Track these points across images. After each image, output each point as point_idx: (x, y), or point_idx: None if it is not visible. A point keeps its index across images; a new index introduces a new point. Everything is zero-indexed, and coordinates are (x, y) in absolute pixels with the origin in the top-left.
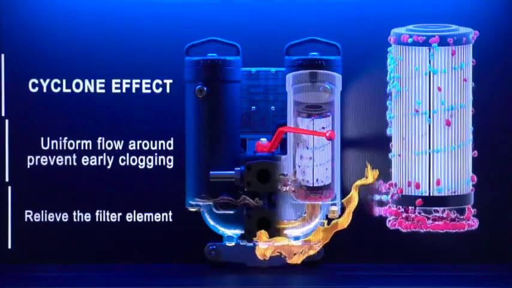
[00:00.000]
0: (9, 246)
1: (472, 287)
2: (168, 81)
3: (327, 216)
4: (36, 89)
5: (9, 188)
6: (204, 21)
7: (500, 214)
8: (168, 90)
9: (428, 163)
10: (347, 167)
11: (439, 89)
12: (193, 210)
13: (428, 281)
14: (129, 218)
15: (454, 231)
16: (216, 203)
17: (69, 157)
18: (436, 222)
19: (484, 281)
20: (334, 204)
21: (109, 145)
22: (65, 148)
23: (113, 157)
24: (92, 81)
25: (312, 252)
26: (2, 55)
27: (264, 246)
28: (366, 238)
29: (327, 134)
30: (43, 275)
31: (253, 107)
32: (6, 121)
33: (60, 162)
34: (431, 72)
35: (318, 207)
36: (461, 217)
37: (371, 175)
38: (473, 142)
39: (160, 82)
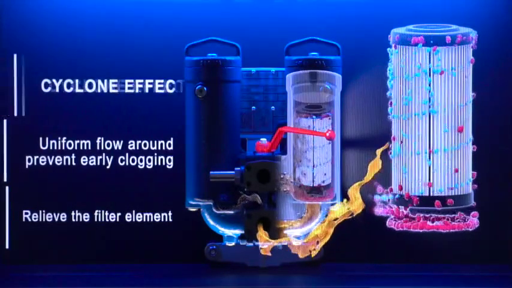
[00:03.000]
0: (7, 247)
1: (472, 287)
2: (168, 81)
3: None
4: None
5: (7, 188)
6: (204, 21)
7: (500, 214)
8: (168, 90)
9: (428, 163)
10: (347, 167)
11: (442, 73)
12: (193, 210)
13: (428, 281)
14: (129, 218)
15: (454, 231)
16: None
17: (68, 157)
18: (436, 222)
19: (484, 281)
20: (334, 204)
21: (108, 145)
22: (63, 148)
23: (112, 157)
24: (92, 81)
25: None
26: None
27: (265, 246)
28: (366, 238)
29: (327, 134)
30: (41, 275)
31: (253, 107)
32: (5, 121)
33: (59, 162)
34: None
35: (318, 207)
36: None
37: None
38: (473, 142)
39: (160, 82)
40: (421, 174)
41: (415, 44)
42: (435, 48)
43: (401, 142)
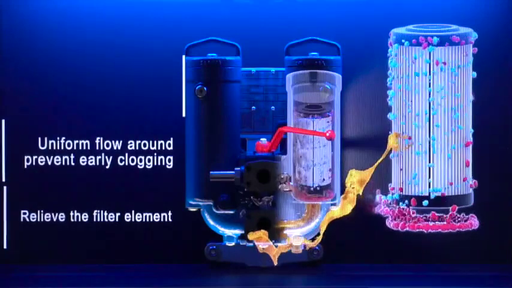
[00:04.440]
0: (5, 247)
1: (472, 287)
2: (167, 82)
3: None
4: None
5: (5, 188)
6: (204, 21)
7: (500, 214)
8: (168, 91)
9: (428, 163)
10: (347, 167)
11: (437, 63)
12: (193, 210)
13: (429, 281)
14: (128, 218)
15: (454, 231)
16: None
17: (67, 157)
18: (436, 222)
19: (484, 281)
20: (334, 204)
21: (108, 145)
22: (62, 148)
23: (111, 157)
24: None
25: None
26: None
27: (265, 246)
28: (366, 238)
29: (327, 134)
30: (39, 276)
31: (253, 107)
32: (3, 121)
33: (57, 162)
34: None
35: (318, 207)
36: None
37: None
38: (473, 142)
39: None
40: (424, 174)
41: (421, 44)
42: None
43: (409, 138)
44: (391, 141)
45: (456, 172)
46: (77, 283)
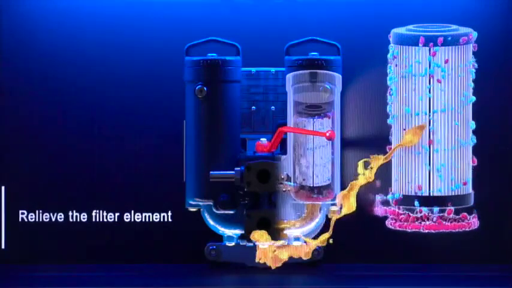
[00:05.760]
0: (3, 247)
1: (472, 287)
2: (168, 82)
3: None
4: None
5: (3, 187)
6: (204, 21)
7: (500, 214)
8: (168, 90)
9: (428, 163)
10: (347, 167)
11: (439, 81)
12: (193, 210)
13: (428, 281)
14: (127, 218)
15: (454, 231)
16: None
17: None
18: (436, 222)
19: (484, 281)
20: (334, 204)
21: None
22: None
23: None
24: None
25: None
26: None
27: (264, 246)
28: (366, 238)
29: (327, 134)
30: (38, 276)
31: (253, 107)
32: None
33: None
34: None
35: (318, 207)
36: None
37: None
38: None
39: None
40: (417, 174)
41: (422, 44)
42: (434, 54)
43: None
44: (408, 137)
45: (457, 172)
46: (77, 283)
